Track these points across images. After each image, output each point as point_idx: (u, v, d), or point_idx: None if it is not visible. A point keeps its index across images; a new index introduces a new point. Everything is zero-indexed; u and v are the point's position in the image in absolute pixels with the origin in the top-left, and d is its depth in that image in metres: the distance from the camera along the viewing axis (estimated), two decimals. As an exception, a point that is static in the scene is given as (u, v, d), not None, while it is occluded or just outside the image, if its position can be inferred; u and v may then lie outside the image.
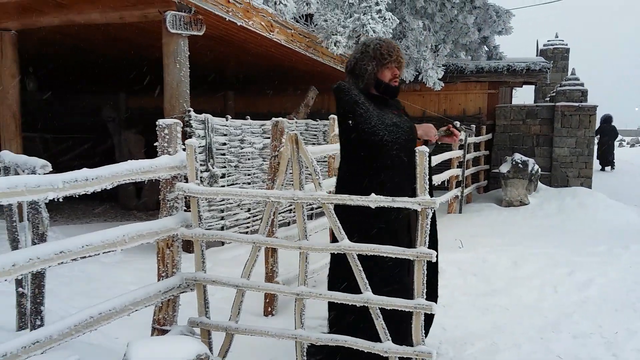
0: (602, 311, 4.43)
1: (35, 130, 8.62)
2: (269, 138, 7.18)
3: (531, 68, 11.90)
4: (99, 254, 2.49)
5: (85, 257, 2.42)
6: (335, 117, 5.07)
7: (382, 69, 3.00)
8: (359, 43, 3.31)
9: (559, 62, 17.06)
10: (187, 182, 3.01)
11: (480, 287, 5.07)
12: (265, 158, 7.24)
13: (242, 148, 6.75)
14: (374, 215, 2.75)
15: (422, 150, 2.46)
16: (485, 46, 12.95)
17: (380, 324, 2.72)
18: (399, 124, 2.91)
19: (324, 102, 12.44)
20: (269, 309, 4.21)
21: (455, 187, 9.36)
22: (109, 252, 2.53)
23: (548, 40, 17.32)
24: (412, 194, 2.68)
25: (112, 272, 5.03)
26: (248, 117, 6.92)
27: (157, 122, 2.93)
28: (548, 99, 13.82)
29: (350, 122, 2.84)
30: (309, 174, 2.85)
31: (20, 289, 3.66)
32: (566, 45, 17.36)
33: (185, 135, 5.81)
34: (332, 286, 3.01)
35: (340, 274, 2.95)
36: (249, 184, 7.02)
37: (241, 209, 6.86)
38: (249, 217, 7.01)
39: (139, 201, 8.77)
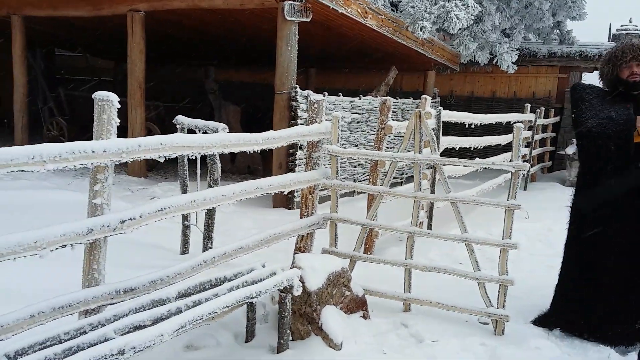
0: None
1: (148, 98, 9.80)
2: (356, 113, 8.09)
3: (603, 54, 12.16)
4: (267, 193, 3.45)
5: (260, 195, 3.40)
6: (426, 96, 5.91)
7: (621, 69, 3.48)
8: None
9: (633, 47, 16.96)
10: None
11: (547, 251, 5.82)
12: (352, 131, 8.14)
13: (334, 121, 7.67)
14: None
15: (517, 126, 3.29)
16: (557, 30, 13.27)
17: (473, 257, 3.60)
18: (614, 118, 3.38)
19: (398, 82, 13.18)
20: (369, 253, 5.15)
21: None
22: (281, 192, 3.50)
23: (621, 25, 17.18)
24: (618, 175, 3.37)
25: (233, 219, 6.10)
26: (340, 93, 7.81)
27: (309, 98, 3.86)
28: (619, 84, 14.00)
29: (573, 115, 3.59)
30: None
31: (185, 222, 4.74)
32: (641, 30, 17.20)
33: (291, 108, 6.78)
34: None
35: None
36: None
37: (348, 176, 7.87)
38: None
39: (233, 165, 9.88)
